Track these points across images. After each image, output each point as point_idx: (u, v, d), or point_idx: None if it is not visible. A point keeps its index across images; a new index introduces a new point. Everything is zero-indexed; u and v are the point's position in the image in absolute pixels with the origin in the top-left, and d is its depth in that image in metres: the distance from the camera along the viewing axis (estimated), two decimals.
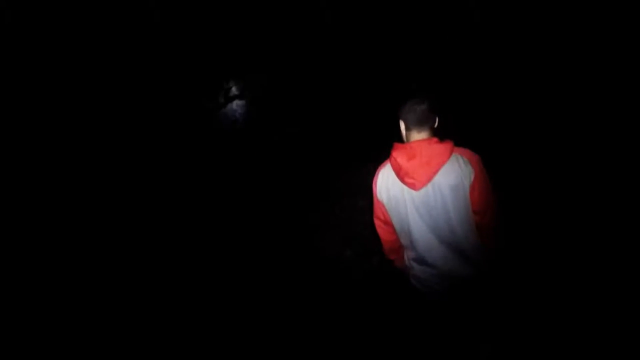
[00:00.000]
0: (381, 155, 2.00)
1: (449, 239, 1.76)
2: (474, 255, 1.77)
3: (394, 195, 1.82)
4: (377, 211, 1.94)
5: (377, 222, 1.98)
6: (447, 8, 4.82)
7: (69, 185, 4.00)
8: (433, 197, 1.73)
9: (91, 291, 3.28)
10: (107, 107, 4.44)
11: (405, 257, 1.94)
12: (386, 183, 1.85)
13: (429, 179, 1.72)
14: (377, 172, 1.92)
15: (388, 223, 1.91)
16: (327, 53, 4.81)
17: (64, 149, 4.17)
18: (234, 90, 5.00)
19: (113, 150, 4.33)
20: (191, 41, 4.71)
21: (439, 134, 1.81)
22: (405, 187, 1.77)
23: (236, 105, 4.98)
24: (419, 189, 1.75)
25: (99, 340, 2.90)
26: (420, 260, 1.84)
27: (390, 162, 1.82)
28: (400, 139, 1.85)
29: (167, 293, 3.20)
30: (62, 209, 3.86)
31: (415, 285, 1.92)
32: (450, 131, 1.89)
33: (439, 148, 1.73)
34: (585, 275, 2.64)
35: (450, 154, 1.73)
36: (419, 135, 1.79)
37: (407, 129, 1.81)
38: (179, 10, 4.62)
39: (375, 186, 1.91)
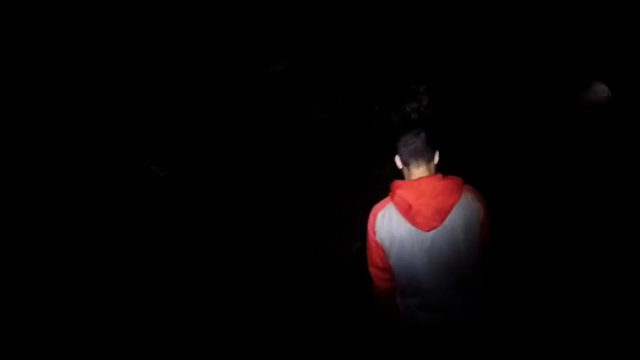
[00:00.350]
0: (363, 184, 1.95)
1: (460, 280, 1.68)
2: (483, 296, 1.72)
3: (399, 237, 1.68)
4: (374, 257, 1.78)
5: (373, 270, 1.82)
6: (447, 8, 4.80)
7: (63, 187, 4.00)
8: (445, 237, 1.64)
9: (89, 292, 3.33)
10: (105, 107, 4.45)
11: (403, 305, 1.82)
12: (389, 225, 1.70)
13: (443, 219, 1.64)
14: (372, 214, 1.77)
15: (386, 269, 1.77)
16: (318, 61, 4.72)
17: (60, 149, 4.17)
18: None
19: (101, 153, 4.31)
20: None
21: (442, 170, 1.74)
22: (413, 228, 1.66)
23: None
24: (431, 230, 1.65)
25: (99, 340, 2.95)
26: (428, 306, 1.73)
27: (395, 201, 1.70)
28: (399, 177, 1.76)
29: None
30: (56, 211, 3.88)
31: (413, 337, 1.82)
32: (449, 163, 1.83)
33: (449, 185, 1.67)
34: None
35: (461, 190, 1.67)
36: (418, 171, 1.70)
37: (404, 163, 1.72)
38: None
39: (373, 229, 1.75)
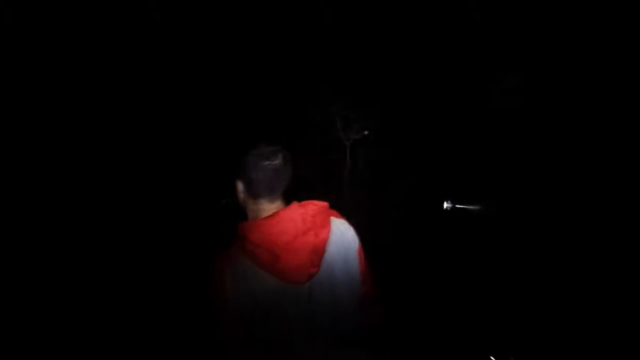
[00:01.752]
0: None
1: (345, 329, 1.28)
2: (361, 340, 1.33)
3: (264, 300, 1.20)
4: (230, 331, 1.22)
5: (226, 341, 1.24)
6: (447, 8, 4.80)
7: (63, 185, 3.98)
8: (324, 282, 1.24)
9: (87, 291, 3.29)
10: (107, 107, 4.45)
11: None
12: (245, 285, 1.20)
13: (320, 261, 1.22)
14: (218, 273, 1.22)
15: (242, 332, 1.22)
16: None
17: (61, 149, 4.16)
18: None
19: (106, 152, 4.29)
20: None
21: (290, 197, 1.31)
22: (281, 283, 1.20)
23: None
24: (309, 279, 1.21)
25: (98, 340, 2.95)
26: None
27: (248, 252, 1.21)
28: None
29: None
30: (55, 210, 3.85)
31: None
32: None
33: (317, 213, 1.25)
34: None
35: (329, 219, 1.29)
36: (273, 206, 1.27)
37: (251, 195, 1.27)
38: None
39: (225, 295, 1.20)
